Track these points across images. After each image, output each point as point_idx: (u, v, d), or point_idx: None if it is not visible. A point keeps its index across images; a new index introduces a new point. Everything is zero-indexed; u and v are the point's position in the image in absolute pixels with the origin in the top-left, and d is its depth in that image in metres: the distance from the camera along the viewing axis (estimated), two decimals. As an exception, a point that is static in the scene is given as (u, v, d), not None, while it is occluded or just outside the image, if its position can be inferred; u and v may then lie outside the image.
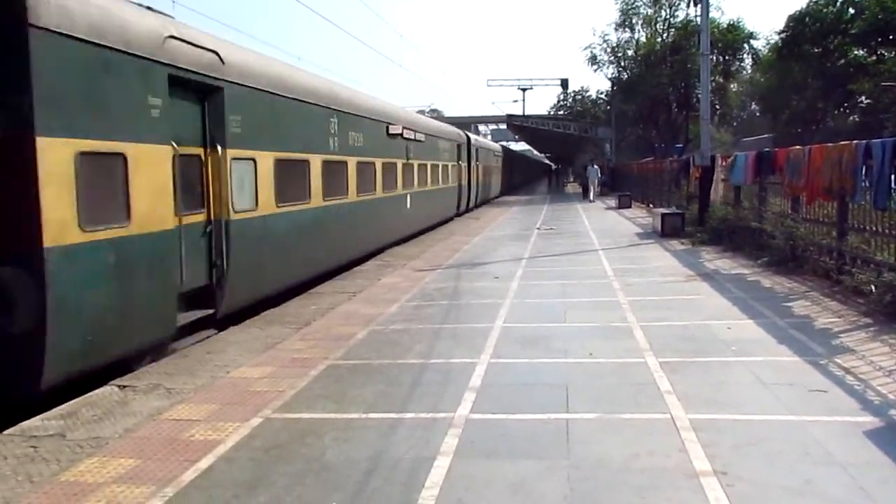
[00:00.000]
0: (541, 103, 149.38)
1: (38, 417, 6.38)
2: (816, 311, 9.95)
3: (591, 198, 41.59)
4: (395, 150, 20.61)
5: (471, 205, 37.12)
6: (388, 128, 19.62)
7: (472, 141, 37.83)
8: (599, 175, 44.48)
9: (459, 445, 5.51)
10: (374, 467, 5.18)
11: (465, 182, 34.64)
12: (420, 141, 23.93)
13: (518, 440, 5.65)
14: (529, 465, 5.16)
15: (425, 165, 25.09)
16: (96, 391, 7.13)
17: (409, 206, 22.42)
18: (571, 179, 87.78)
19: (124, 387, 7.27)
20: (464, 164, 34.32)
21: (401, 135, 20.86)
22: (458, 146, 33.11)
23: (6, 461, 5.43)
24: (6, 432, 6.03)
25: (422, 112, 38.67)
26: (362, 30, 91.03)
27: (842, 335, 8.59)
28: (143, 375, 7.69)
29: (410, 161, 22.52)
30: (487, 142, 50.74)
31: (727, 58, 48.33)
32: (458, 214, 33.16)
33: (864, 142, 10.95)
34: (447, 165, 29.87)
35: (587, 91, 76.39)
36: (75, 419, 6.34)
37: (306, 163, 13.41)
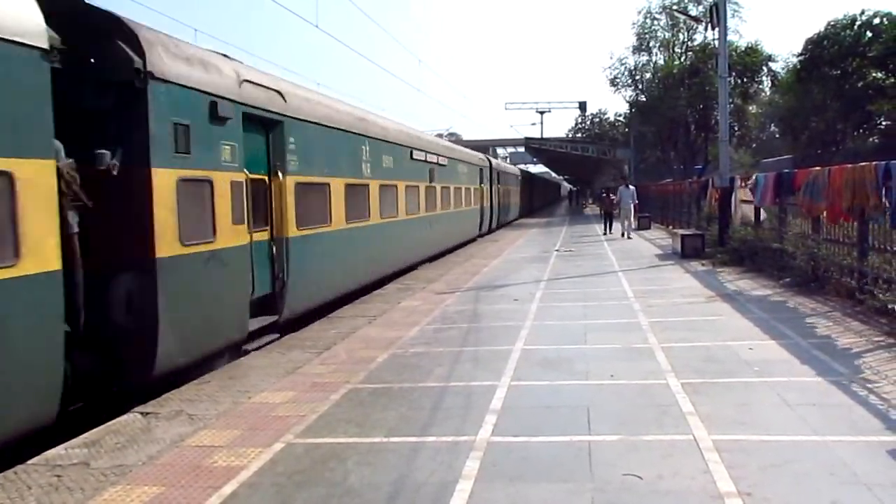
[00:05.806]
0: (559, 126, 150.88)
1: (61, 446, 6.36)
2: (839, 331, 9.87)
3: (626, 233, 29.80)
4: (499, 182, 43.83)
5: (522, 212, 57.31)
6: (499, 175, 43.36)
7: (524, 172, 65.24)
8: (635, 199, 31.22)
9: (482, 469, 5.49)
10: (397, 492, 5.18)
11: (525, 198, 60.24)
12: (510, 179, 48.80)
13: (541, 463, 5.63)
14: (553, 488, 5.14)
15: (515, 189, 51.35)
16: (119, 419, 7.15)
17: (510, 204, 48.71)
18: (590, 201, 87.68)
19: (147, 413, 7.31)
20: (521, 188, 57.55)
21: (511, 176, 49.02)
22: (523, 177, 59.29)
23: (30, 491, 5.41)
24: (30, 462, 6.01)
25: (440, 135, 41.28)
26: (382, 55, 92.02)
27: (865, 355, 8.52)
28: (166, 402, 7.72)
29: (506, 187, 46.37)
30: (512, 167, 58.47)
31: (746, 80, 48.40)
32: (522, 216, 55.61)
33: (883, 163, 10.89)
34: (516, 189, 52.85)
35: (605, 114, 76.75)
36: (99, 447, 6.35)
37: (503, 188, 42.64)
